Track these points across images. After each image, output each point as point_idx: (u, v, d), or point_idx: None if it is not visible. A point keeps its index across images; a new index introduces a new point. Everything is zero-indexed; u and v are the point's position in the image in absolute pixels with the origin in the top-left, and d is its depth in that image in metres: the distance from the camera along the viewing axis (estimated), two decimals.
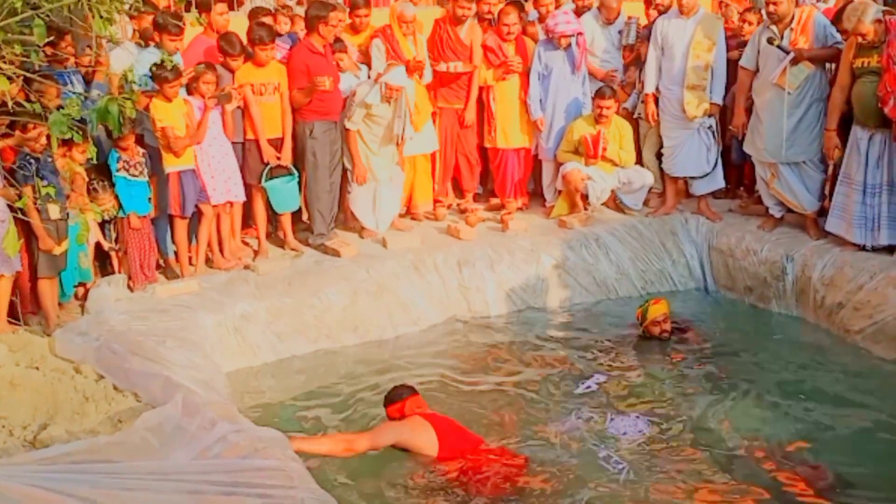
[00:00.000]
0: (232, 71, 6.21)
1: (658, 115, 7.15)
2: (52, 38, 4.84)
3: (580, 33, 7.19)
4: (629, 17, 7.44)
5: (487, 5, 7.22)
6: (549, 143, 7.38)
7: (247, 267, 6.21)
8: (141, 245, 5.85)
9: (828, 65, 6.46)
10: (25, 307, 5.36)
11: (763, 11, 6.85)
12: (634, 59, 7.41)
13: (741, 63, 6.68)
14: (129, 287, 5.80)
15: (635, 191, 7.26)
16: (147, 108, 5.66)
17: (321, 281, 6.08)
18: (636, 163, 7.35)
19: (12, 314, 5.15)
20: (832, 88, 6.26)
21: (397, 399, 4.58)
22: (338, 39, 6.71)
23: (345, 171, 6.71)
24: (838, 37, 6.26)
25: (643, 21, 7.56)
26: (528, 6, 7.93)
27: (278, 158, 6.35)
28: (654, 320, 5.89)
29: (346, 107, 6.57)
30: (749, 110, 6.74)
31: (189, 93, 5.99)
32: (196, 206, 6.00)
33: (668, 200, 7.33)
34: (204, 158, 6.04)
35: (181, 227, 6.01)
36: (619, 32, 7.45)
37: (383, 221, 6.84)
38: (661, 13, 7.16)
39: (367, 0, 7.17)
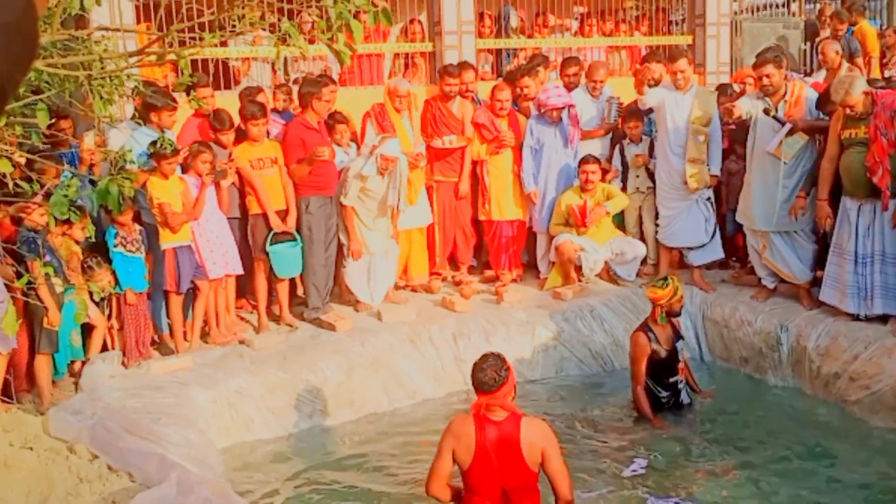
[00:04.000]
0: (224, 146, 6.32)
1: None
2: (52, 119, 4.92)
3: (571, 105, 7.34)
4: (610, 98, 7.62)
5: (465, 85, 7.39)
6: (542, 215, 7.47)
7: (241, 342, 6.20)
8: (137, 321, 5.85)
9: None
10: (19, 385, 5.33)
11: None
12: (618, 138, 7.57)
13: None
14: (123, 364, 5.78)
15: (628, 262, 7.32)
16: (144, 186, 5.73)
17: (316, 355, 6.06)
18: (634, 234, 7.45)
19: (6, 392, 5.12)
20: (821, 159, 6.37)
21: (480, 389, 3.98)
22: (337, 112, 6.86)
23: (340, 244, 6.76)
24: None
25: (625, 100, 7.73)
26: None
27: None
28: (681, 297, 5.74)
29: (341, 182, 6.65)
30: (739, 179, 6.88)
31: (184, 171, 6.08)
32: (192, 281, 6.03)
33: (662, 270, 7.36)
34: (202, 234, 6.10)
35: (176, 302, 6.02)
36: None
37: (378, 294, 6.86)
38: (651, 87, 7.33)
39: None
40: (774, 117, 6.35)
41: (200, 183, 6.01)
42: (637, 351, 5.76)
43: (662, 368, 5.78)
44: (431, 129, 7.33)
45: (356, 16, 2.73)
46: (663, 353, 5.75)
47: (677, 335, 5.86)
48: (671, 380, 5.80)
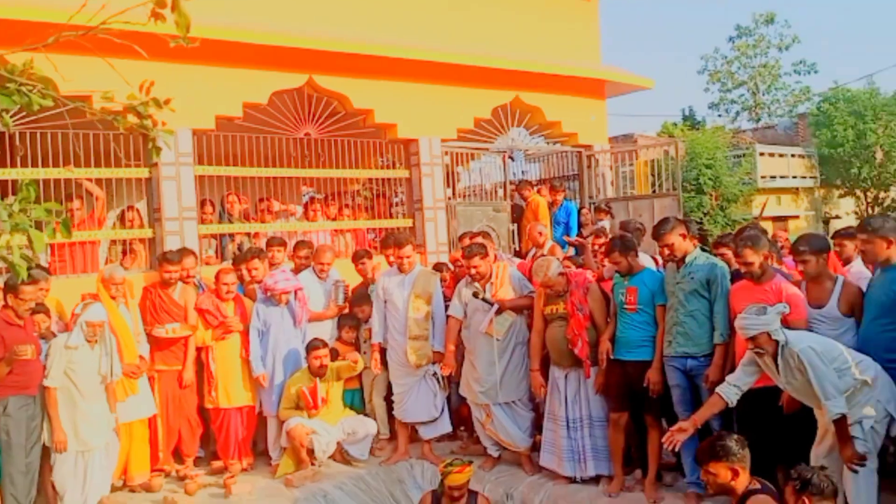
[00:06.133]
0: None
1: (384, 363, 7.44)
2: None
3: (299, 288, 7.43)
4: (337, 281, 7.84)
5: (186, 270, 7.36)
6: (272, 398, 7.32)
7: None
8: None
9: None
10: None
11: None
12: (346, 318, 7.77)
13: (449, 313, 7.16)
14: None
15: (360, 440, 7.30)
16: None
17: None
18: (369, 410, 7.55)
19: None
20: (531, 332, 6.85)
21: None
22: (39, 303, 6.40)
23: (45, 448, 6.12)
24: (531, 286, 6.97)
25: (351, 282, 8.00)
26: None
27: None
28: (453, 485, 5.62)
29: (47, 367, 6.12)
30: (460, 354, 7.19)
31: None
32: None
33: (401, 447, 7.44)
34: None
35: None
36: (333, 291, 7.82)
37: (92, 499, 6.24)
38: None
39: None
40: (483, 299, 6.82)
41: None
42: None
43: None
44: (152, 317, 7.07)
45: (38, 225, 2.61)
46: None
47: None
48: None
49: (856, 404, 4.69)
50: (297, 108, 9.70)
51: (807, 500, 3.79)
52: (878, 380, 4.76)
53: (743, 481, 4.24)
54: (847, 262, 6.48)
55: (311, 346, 7.15)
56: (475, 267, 6.90)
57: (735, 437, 4.38)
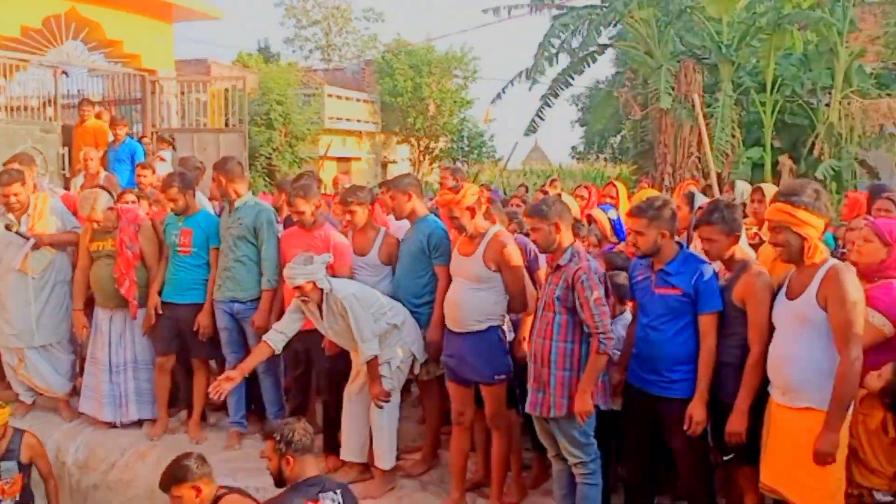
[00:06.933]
0: None
1: None
2: None
3: None
4: None
5: None
6: None
7: None
8: None
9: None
10: None
11: None
12: None
13: None
14: None
15: None
16: None
17: None
18: None
19: None
20: (76, 270, 6.40)
21: None
22: None
23: None
24: (75, 221, 6.47)
25: None
26: None
27: None
28: None
29: None
30: None
31: None
32: None
33: None
34: None
35: None
36: None
37: None
38: None
39: None
40: (18, 232, 6.21)
41: None
42: None
43: None
44: None
45: None
46: None
47: (9, 455, 5.34)
48: None
49: (386, 346, 5.15)
50: None
51: (291, 459, 3.91)
52: (405, 323, 5.27)
53: (209, 494, 4.06)
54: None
55: None
56: (15, 195, 6.24)
57: (194, 455, 4.17)
